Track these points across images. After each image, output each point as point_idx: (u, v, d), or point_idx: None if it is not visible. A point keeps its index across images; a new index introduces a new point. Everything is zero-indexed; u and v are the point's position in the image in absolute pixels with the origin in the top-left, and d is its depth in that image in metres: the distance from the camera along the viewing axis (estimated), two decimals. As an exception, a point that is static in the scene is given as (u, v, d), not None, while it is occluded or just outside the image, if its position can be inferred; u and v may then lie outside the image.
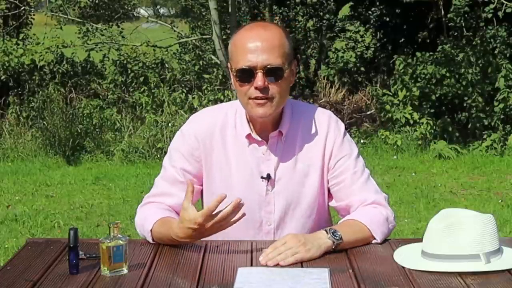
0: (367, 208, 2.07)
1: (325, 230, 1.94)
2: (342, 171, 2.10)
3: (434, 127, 8.26)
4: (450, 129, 8.37)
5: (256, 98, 1.97)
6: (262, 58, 1.95)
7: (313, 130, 2.10)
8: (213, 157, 2.09)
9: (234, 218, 1.85)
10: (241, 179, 2.08)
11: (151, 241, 2.03)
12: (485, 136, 8.15)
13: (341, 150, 2.10)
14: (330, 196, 2.17)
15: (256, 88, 1.96)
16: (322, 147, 2.10)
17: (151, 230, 2.01)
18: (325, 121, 2.12)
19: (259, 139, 2.07)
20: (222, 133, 2.08)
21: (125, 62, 9.48)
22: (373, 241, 2.01)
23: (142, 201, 2.16)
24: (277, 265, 1.84)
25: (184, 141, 2.10)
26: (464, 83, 8.51)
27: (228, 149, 2.08)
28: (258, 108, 1.99)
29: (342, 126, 2.14)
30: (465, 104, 8.56)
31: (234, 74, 1.99)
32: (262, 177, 2.07)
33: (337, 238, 1.91)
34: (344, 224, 2.02)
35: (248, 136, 2.07)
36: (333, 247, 1.91)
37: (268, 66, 1.95)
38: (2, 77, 8.94)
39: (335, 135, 2.10)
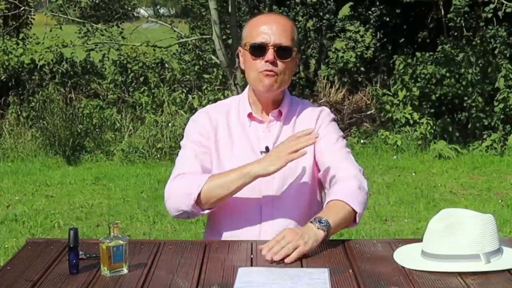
0: (341, 183, 2.16)
1: (311, 222, 2.00)
2: (325, 144, 2.27)
3: (434, 127, 8.26)
4: (450, 129, 8.37)
5: (265, 71, 2.20)
6: (275, 37, 2.20)
7: (308, 116, 2.32)
8: (218, 136, 2.29)
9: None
10: (243, 153, 2.25)
11: (191, 203, 2.12)
12: (485, 136, 8.16)
13: (327, 128, 2.31)
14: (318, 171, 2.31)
15: (266, 61, 2.19)
16: (314, 129, 2.28)
17: (202, 188, 2.11)
18: (318, 110, 2.35)
19: (260, 118, 2.30)
20: (226, 118, 2.32)
21: (125, 62, 9.48)
22: (357, 217, 2.09)
23: (172, 177, 2.23)
24: (277, 264, 1.85)
25: (195, 123, 2.34)
26: (464, 83, 8.51)
27: (232, 129, 2.30)
28: (265, 79, 2.21)
29: (331, 115, 2.36)
30: (465, 104, 8.56)
31: (248, 48, 2.23)
32: (261, 151, 2.25)
33: (325, 224, 1.98)
34: (326, 209, 2.10)
35: (249, 115, 2.30)
36: (326, 234, 1.98)
37: (279, 45, 2.20)
38: (2, 77, 8.94)
39: (323, 118, 2.33)
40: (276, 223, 2.20)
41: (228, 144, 2.28)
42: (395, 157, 7.90)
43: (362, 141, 8.39)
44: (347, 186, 2.13)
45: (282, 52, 2.20)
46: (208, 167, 2.25)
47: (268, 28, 2.21)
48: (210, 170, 2.25)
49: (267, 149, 2.24)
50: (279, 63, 2.20)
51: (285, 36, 2.21)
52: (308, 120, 2.31)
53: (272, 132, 2.28)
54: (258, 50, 2.20)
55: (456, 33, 10.00)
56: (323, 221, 1.98)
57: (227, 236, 2.22)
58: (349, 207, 2.07)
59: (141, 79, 9.19)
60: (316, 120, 2.31)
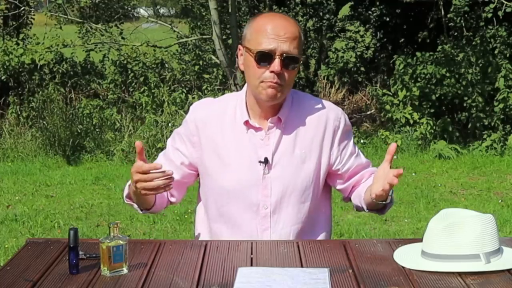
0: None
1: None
2: (348, 157, 2.22)
3: (434, 127, 8.26)
4: (450, 129, 8.37)
5: (269, 81, 2.07)
6: (283, 45, 2.06)
7: (313, 119, 2.18)
8: (211, 142, 2.18)
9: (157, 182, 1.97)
10: (239, 163, 2.15)
11: (124, 196, 2.23)
12: (485, 136, 8.16)
13: (343, 139, 2.21)
14: (332, 181, 2.25)
15: (272, 71, 2.05)
16: (320, 136, 2.17)
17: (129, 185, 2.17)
18: (325, 111, 2.20)
19: (257, 125, 2.15)
20: (220, 120, 2.18)
21: (125, 62, 9.48)
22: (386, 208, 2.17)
23: None
24: (277, 265, 1.85)
25: (185, 126, 2.24)
26: (464, 83, 8.51)
27: (226, 135, 2.17)
28: (268, 90, 2.07)
29: (341, 115, 2.22)
30: (465, 104, 8.56)
31: (253, 54, 2.07)
32: (259, 161, 2.13)
33: (390, 198, 2.10)
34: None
35: (246, 123, 2.15)
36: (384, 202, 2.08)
37: (286, 54, 2.06)
38: (2, 77, 8.94)
39: (334, 125, 2.19)
40: (276, 232, 2.15)
41: (222, 155, 2.15)
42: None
43: (362, 141, 8.39)
44: None
45: (288, 61, 2.06)
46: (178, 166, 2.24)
47: (277, 34, 2.06)
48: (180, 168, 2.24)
49: (266, 160, 2.12)
50: (285, 73, 2.07)
51: (292, 44, 2.06)
52: (314, 126, 2.17)
53: (271, 141, 2.14)
54: (264, 58, 2.06)
55: (456, 33, 10.00)
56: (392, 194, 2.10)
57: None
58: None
59: (141, 79, 9.18)
60: (324, 128, 2.17)
